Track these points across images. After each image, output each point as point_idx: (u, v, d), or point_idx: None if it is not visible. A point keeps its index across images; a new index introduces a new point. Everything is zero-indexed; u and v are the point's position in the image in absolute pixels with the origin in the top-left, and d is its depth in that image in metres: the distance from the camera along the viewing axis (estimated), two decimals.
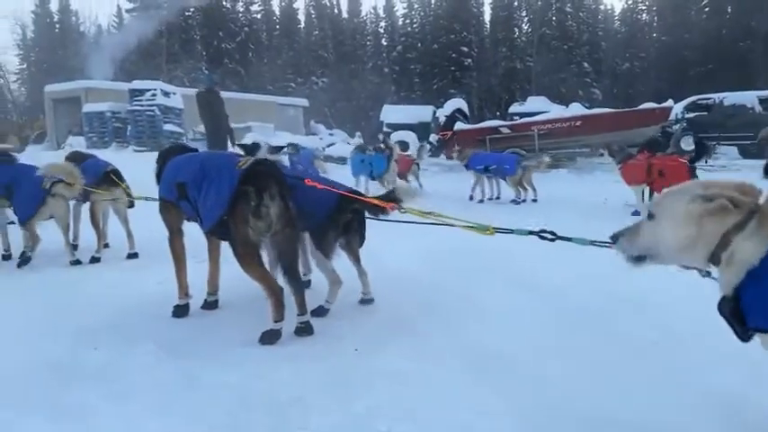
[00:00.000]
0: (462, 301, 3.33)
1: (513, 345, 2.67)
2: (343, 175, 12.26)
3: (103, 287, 3.76)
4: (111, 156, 18.04)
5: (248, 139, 21.11)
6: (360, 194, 3.07)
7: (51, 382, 2.36)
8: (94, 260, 4.44)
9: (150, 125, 19.07)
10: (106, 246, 4.69)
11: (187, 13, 44.95)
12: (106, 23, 51.32)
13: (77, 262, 4.38)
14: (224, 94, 10.92)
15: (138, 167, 14.41)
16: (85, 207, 4.76)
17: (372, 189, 9.79)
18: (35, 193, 4.20)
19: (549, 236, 2.18)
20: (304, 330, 2.73)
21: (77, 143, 21.62)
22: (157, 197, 3.44)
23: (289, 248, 2.63)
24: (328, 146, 24.75)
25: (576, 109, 18.08)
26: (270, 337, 2.64)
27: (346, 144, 27.09)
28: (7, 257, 4.58)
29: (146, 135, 19.16)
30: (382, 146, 10.89)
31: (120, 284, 3.81)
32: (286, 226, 2.59)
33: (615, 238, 1.73)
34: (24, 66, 52.19)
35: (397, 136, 21.40)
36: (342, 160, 17.11)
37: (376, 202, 2.87)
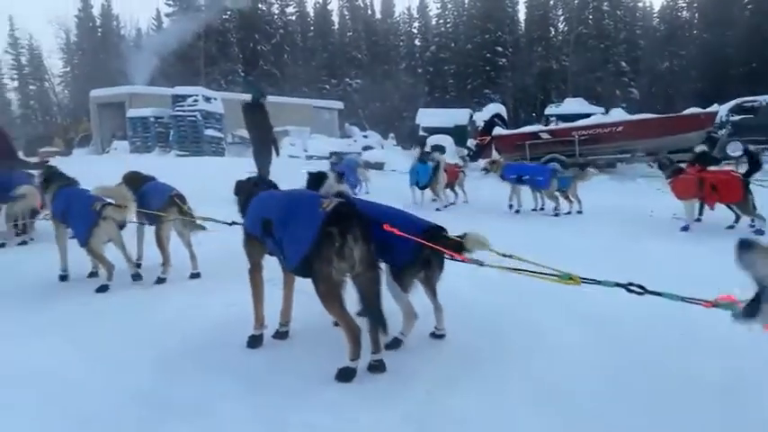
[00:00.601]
0: (529, 335, 3.36)
1: (584, 384, 2.70)
2: (385, 183, 12.40)
3: (173, 311, 3.89)
4: (154, 160, 18.54)
5: (287, 146, 21.41)
6: (438, 234, 3.12)
7: (143, 418, 2.47)
8: (160, 281, 4.60)
9: (192, 130, 19.55)
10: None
11: (224, 16, 45.60)
12: (146, 27, 52.43)
13: (138, 276, 4.56)
14: None
15: (180, 172, 14.64)
16: (149, 228, 4.95)
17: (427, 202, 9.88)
18: (86, 215, 4.37)
19: (638, 290, 2.19)
20: (377, 368, 2.81)
21: (121, 147, 22.31)
22: (208, 217, 3.60)
23: (370, 290, 2.71)
24: (364, 148, 24.91)
25: (618, 114, 17.79)
26: (346, 376, 2.72)
27: (381, 147, 27.22)
28: (64, 278, 4.76)
29: (188, 140, 19.65)
30: (426, 153, 10.92)
31: (189, 308, 3.95)
32: (368, 268, 2.67)
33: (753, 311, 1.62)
34: (68, 69, 53.77)
35: (433, 140, 21.41)
36: (379, 166, 17.21)
37: (449, 252, 2.94)
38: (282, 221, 2.84)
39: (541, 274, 2.38)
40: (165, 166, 16.28)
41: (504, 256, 2.62)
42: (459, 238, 3.07)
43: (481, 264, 2.69)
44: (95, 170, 14.61)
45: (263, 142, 10.33)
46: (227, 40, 46.25)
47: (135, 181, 5.00)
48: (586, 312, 3.55)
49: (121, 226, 4.52)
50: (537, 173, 8.65)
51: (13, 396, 2.65)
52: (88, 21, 52.27)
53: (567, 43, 48.63)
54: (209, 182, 12.86)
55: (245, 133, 23.78)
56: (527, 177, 8.54)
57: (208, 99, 19.84)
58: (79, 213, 4.41)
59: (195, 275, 4.78)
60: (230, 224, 3.69)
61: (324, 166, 15.54)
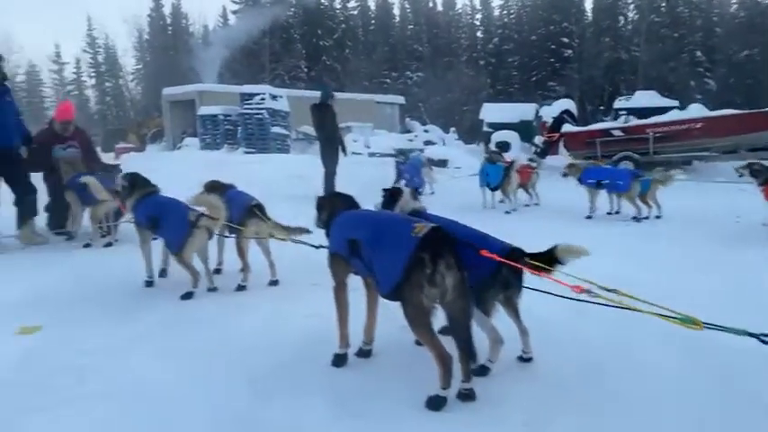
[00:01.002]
0: (620, 360, 3.21)
1: (689, 424, 2.54)
2: (451, 183, 12.26)
3: (256, 321, 3.94)
4: (222, 157, 19.01)
5: (350, 143, 21.53)
6: (519, 256, 3.00)
7: None
8: (240, 288, 4.68)
9: (259, 127, 19.92)
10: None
11: (288, 13, 46.34)
12: (212, 24, 53.94)
13: (213, 289, 4.65)
14: (317, 93, 11.16)
15: (248, 168, 14.93)
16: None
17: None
18: (182, 225, 4.48)
19: None
20: (468, 397, 2.73)
21: (192, 144, 23.03)
22: (295, 238, 3.60)
23: (461, 318, 2.64)
24: (425, 143, 24.76)
25: (697, 110, 16.91)
26: (436, 404, 2.66)
27: (442, 142, 26.97)
28: (150, 284, 4.89)
29: (255, 137, 20.04)
30: (494, 153, 10.71)
31: (271, 318, 3.99)
32: (459, 297, 2.60)
33: None
34: (140, 66, 56.07)
35: (498, 136, 21.03)
36: (442, 163, 17.03)
37: (540, 272, 2.81)
38: (372, 244, 2.80)
39: (656, 314, 2.22)
40: (233, 163, 16.73)
41: (609, 290, 2.47)
42: (547, 254, 2.94)
43: (586, 292, 2.53)
44: (168, 167, 15.17)
45: (331, 142, 10.41)
46: (291, 36, 47.00)
47: (215, 190, 5.09)
48: (693, 342, 3.23)
49: (210, 236, 4.63)
50: (617, 176, 8.32)
51: (106, 412, 2.73)
52: (159, 19, 54.29)
53: (637, 32, 46.70)
54: (275, 178, 13.16)
55: (308, 130, 24.16)
56: (606, 181, 8.22)
57: (274, 97, 20.16)
58: (174, 222, 4.52)
59: (274, 283, 4.86)
60: (317, 247, 3.68)
61: (388, 164, 15.55)
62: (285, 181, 12.23)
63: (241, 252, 4.74)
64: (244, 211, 4.69)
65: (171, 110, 26.35)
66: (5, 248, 6.30)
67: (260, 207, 4.76)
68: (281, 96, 20.49)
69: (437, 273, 2.56)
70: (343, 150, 10.63)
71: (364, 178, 13.03)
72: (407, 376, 3.01)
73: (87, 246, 6.51)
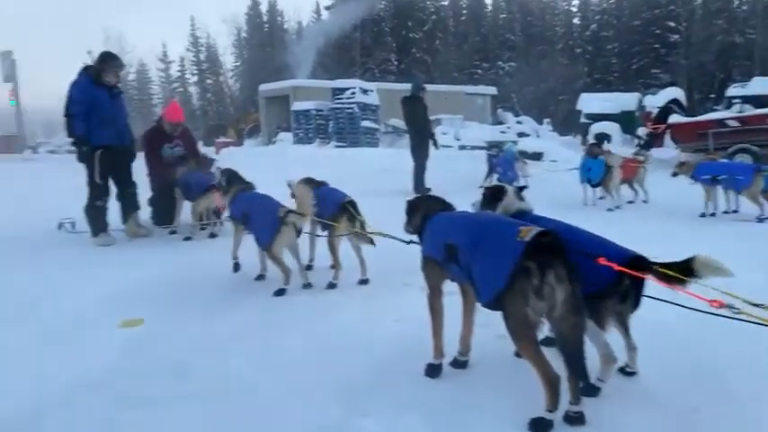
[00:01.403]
0: (737, 369, 2.83)
1: None
2: (545, 177, 11.68)
3: (348, 323, 3.84)
4: (313, 151, 19.35)
5: (439, 136, 21.27)
6: (643, 265, 2.67)
7: None
8: (331, 286, 4.64)
9: (350, 122, 20.16)
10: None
11: (379, 5, 46.53)
12: (306, 21, 55.22)
13: (308, 285, 4.64)
14: (408, 86, 11.00)
15: (338, 163, 15.08)
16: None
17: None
18: (270, 220, 4.48)
19: None
20: (577, 420, 2.47)
21: (286, 139, 23.70)
22: (384, 233, 3.45)
23: (572, 336, 2.37)
24: (518, 135, 24.00)
25: None
26: (542, 428, 2.42)
27: (536, 134, 26.03)
28: (237, 267, 5.06)
29: (345, 131, 20.31)
30: (594, 146, 10.09)
31: (361, 322, 3.88)
32: (571, 312, 2.33)
33: None
34: (238, 63, 58.48)
35: (596, 128, 19.96)
36: (537, 156, 16.37)
37: (683, 290, 2.46)
38: (471, 248, 2.59)
39: None
40: (324, 157, 16.99)
41: (755, 305, 2.12)
42: (682, 264, 2.58)
43: (727, 307, 2.18)
44: (262, 162, 15.62)
45: (422, 136, 10.25)
46: (382, 29, 47.18)
47: (308, 186, 5.11)
48: None
49: (298, 233, 4.62)
50: (737, 171, 7.52)
51: (199, 412, 2.73)
52: (256, 17, 56.30)
53: (753, 14, 42.84)
54: (365, 172, 13.18)
55: (397, 123, 24.13)
56: (724, 177, 7.45)
57: (365, 91, 20.33)
58: (263, 218, 4.57)
59: (364, 282, 4.78)
60: (408, 243, 3.53)
61: (479, 157, 15.16)
62: (375, 175, 12.22)
63: (332, 249, 4.69)
64: (336, 208, 4.63)
65: (267, 105, 27.24)
66: (112, 241, 6.64)
67: (353, 204, 4.69)
68: (371, 90, 20.62)
69: (545, 284, 2.31)
70: (435, 144, 10.44)
71: (454, 172, 12.79)
72: (507, 390, 2.80)
73: (188, 239, 6.75)
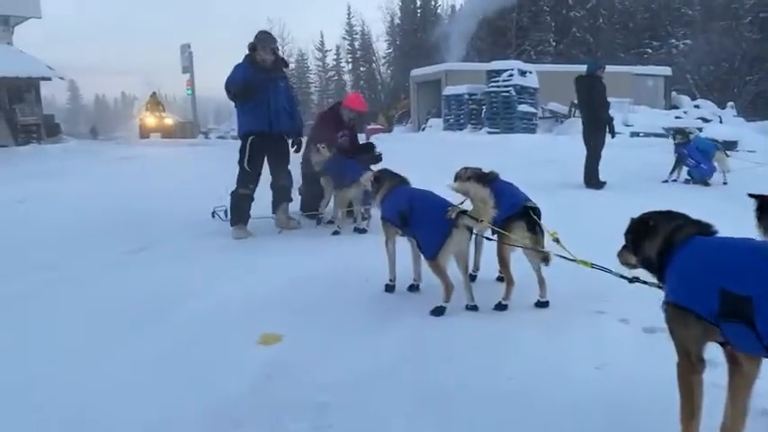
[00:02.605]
0: None
1: None
2: (747, 171, 9.58)
3: (526, 366, 2.94)
4: (464, 138, 18.41)
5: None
6: None
7: None
8: (500, 307, 3.74)
9: (504, 106, 18.89)
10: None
11: None
12: (459, 3, 54.00)
13: (474, 308, 3.75)
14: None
15: (490, 150, 13.96)
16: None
17: None
18: (439, 223, 3.64)
19: None
20: None
21: (435, 125, 23.00)
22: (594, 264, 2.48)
23: None
24: (699, 120, 21.10)
25: None
26: None
27: (719, 120, 22.70)
28: (390, 288, 4.22)
29: (499, 116, 19.08)
30: None
31: (545, 365, 2.95)
32: None
33: None
34: (390, 50, 58.90)
35: None
36: (731, 145, 13.99)
37: None
38: None
39: None
40: (474, 144, 16.01)
41: None
42: None
43: None
44: (410, 148, 14.97)
45: (597, 121, 8.91)
46: (540, 8, 44.57)
47: (479, 181, 4.18)
48: None
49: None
50: None
51: None
52: (410, 3, 56.20)
53: None
54: (520, 162, 12.00)
55: (556, 107, 22.31)
56: None
57: (523, 73, 18.88)
58: (428, 220, 3.72)
59: (542, 304, 3.79)
60: (631, 281, 2.51)
61: (654, 146, 13.23)
62: (538, 166, 11.01)
63: (503, 262, 3.79)
64: (512, 211, 3.70)
65: (417, 91, 26.71)
66: (258, 231, 6.29)
67: (536, 211, 3.73)
68: (530, 72, 19.15)
69: None
70: (611, 131, 9.03)
71: (628, 163, 11.15)
72: None
73: (336, 233, 6.24)
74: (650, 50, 43.70)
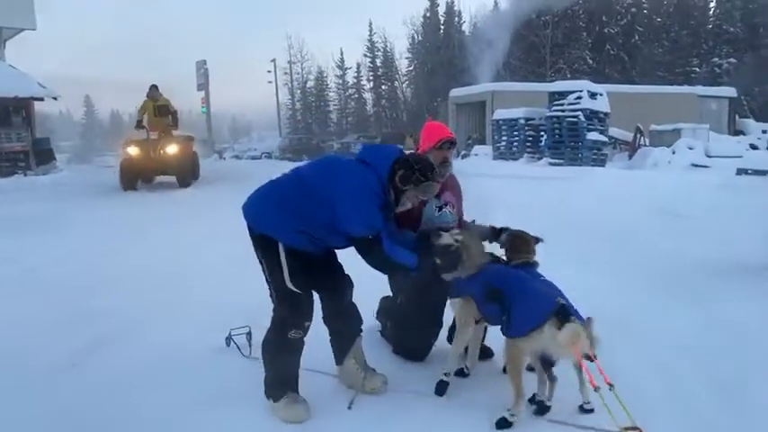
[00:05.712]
0: None
1: None
2: None
3: None
4: (520, 168, 15.41)
5: (684, 151, 16.28)
6: None
7: None
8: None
9: (570, 133, 16.02)
10: None
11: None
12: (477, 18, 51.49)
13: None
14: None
15: (564, 188, 10.46)
16: None
17: None
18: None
19: None
20: None
21: (482, 152, 20.10)
22: None
23: None
24: None
25: None
26: None
27: None
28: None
29: (564, 145, 16.21)
30: None
31: None
32: None
33: None
34: (411, 68, 56.40)
35: None
36: None
37: None
38: None
39: None
40: (537, 179, 13.14)
41: None
42: None
43: None
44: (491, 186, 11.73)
45: None
46: (576, 25, 42.00)
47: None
48: None
49: None
50: None
51: None
52: (434, 18, 53.90)
53: None
54: (615, 207, 9.09)
55: (617, 132, 19.40)
56: None
57: (593, 95, 15.98)
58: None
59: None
60: None
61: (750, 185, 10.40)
62: (643, 218, 8.06)
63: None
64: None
65: (457, 112, 23.92)
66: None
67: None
68: (600, 94, 16.26)
69: None
70: None
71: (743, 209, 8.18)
72: None
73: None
74: (698, 69, 40.84)
